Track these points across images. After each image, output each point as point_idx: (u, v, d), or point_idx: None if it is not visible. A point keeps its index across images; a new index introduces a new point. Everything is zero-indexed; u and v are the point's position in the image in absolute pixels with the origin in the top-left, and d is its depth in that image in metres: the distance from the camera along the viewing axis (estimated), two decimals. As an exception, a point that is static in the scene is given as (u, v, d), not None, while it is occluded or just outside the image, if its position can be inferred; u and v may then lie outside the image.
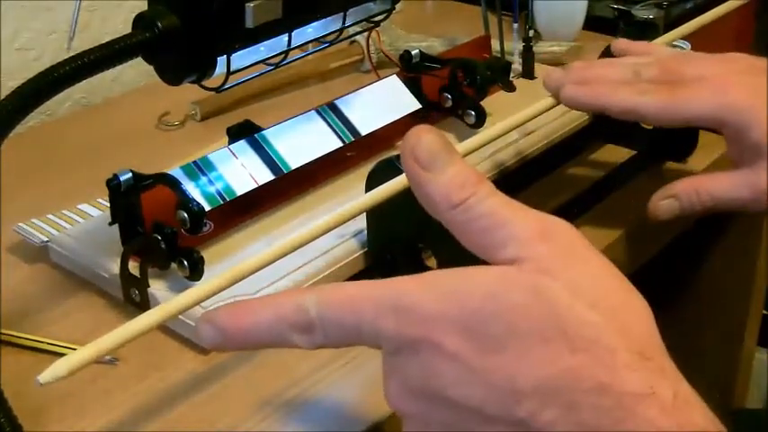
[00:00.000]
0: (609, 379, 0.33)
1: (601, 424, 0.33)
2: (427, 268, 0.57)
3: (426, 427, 0.36)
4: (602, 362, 0.33)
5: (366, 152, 0.69)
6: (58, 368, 0.37)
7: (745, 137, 0.55)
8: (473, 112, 0.71)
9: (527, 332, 0.34)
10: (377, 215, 0.57)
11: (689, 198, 0.59)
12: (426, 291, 0.36)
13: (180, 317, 0.53)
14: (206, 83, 0.56)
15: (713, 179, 0.59)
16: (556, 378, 0.33)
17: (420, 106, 0.71)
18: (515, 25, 0.92)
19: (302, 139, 0.64)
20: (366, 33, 0.81)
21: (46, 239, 0.62)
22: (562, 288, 0.34)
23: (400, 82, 0.72)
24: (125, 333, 0.40)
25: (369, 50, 0.87)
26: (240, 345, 0.40)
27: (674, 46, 0.72)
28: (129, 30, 0.52)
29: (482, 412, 0.34)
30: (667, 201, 0.60)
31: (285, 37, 0.58)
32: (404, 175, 0.50)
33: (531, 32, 0.89)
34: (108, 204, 0.57)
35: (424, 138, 0.38)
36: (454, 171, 0.38)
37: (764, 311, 1.08)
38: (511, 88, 0.74)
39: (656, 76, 0.58)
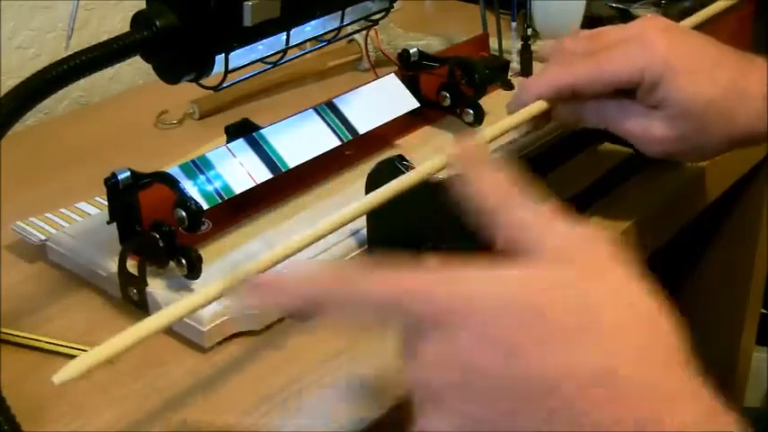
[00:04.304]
0: (650, 377, 0.34)
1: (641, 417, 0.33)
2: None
3: (456, 416, 0.36)
4: (642, 359, 0.34)
5: (364, 151, 0.69)
6: (71, 369, 0.39)
7: (658, 91, 0.58)
8: (471, 111, 0.71)
9: (569, 328, 0.34)
10: (376, 215, 0.57)
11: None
12: (476, 274, 0.36)
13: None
14: (204, 81, 0.56)
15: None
16: (596, 369, 0.34)
17: (418, 105, 0.71)
18: (514, 24, 0.92)
19: (300, 138, 0.64)
20: (364, 32, 0.81)
21: (44, 238, 0.62)
22: (603, 291, 0.36)
23: (398, 81, 0.72)
24: (138, 332, 0.40)
25: (367, 49, 0.87)
26: (280, 299, 0.40)
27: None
28: (127, 28, 0.52)
29: (516, 398, 0.34)
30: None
31: (283, 35, 0.58)
32: (405, 175, 0.50)
33: (530, 31, 0.89)
34: (106, 203, 0.57)
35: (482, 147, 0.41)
36: (504, 174, 0.40)
37: (763, 310, 1.08)
38: (509, 87, 0.74)
39: (582, 48, 0.60)
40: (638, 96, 0.59)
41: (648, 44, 0.58)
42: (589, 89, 0.59)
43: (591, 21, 0.94)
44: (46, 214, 0.65)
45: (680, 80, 0.57)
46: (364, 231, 0.59)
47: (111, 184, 0.55)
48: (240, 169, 0.60)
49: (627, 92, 0.59)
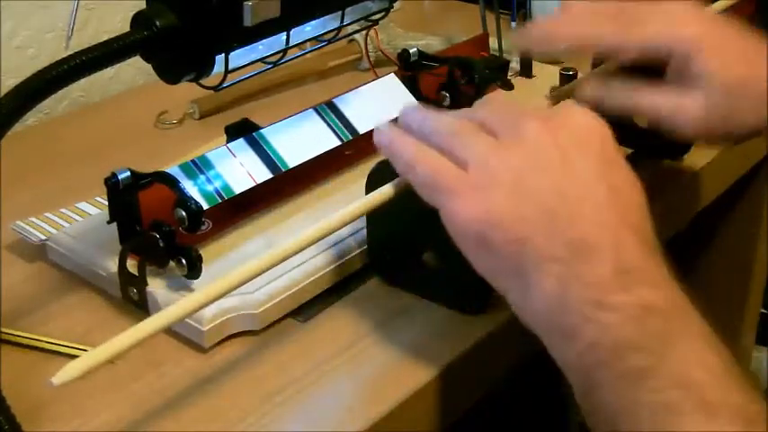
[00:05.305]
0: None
1: None
2: (427, 269, 0.57)
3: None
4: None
5: (364, 151, 0.69)
6: (71, 369, 0.39)
7: (689, 66, 0.57)
8: (471, 111, 0.71)
9: None
10: (376, 215, 0.57)
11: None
12: None
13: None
14: (204, 81, 0.56)
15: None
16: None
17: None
18: (513, 23, 0.92)
19: (300, 138, 0.64)
20: (364, 32, 0.81)
21: (44, 238, 0.62)
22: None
23: (398, 80, 0.72)
24: (138, 334, 0.40)
25: (367, 49, 0.87)
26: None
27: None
28: (127, 28, 0.52)
29: None
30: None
31: (283, 35, 0.58)
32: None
33: (530, 31, 0.88)
34: (106, 203, 0.57)
35: None
36: None
37: (762, 310, 1.08)
38: (509, 87, 0.74)
39: (613, 14, 0.59)
40: (669, 74, 0.58)
41: (679, 19, 0.57)
42: (613, 53, 0.59)
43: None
44: (46, 214, 0.65)
45: (711, 56, 0.56)
46: (364, 231, 0.59)
47: (111, 183, 0.55)
48: (240, 169, 0.60)
49: (655, 71, 0.58)
